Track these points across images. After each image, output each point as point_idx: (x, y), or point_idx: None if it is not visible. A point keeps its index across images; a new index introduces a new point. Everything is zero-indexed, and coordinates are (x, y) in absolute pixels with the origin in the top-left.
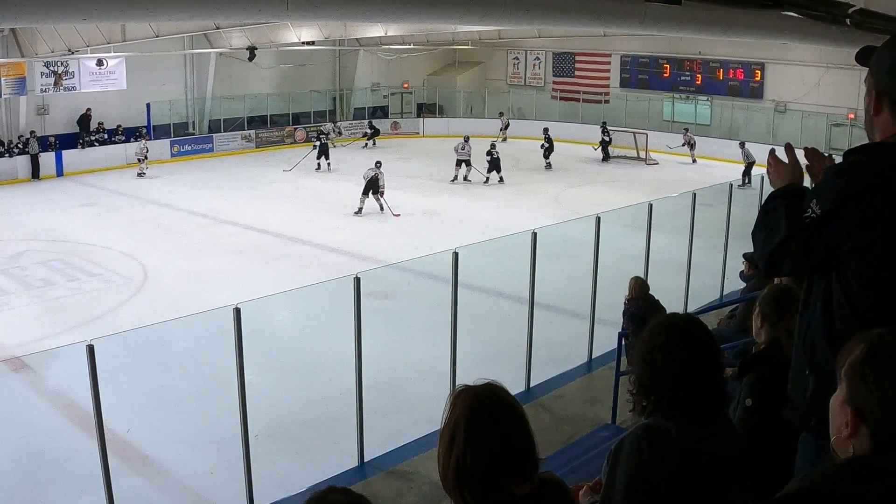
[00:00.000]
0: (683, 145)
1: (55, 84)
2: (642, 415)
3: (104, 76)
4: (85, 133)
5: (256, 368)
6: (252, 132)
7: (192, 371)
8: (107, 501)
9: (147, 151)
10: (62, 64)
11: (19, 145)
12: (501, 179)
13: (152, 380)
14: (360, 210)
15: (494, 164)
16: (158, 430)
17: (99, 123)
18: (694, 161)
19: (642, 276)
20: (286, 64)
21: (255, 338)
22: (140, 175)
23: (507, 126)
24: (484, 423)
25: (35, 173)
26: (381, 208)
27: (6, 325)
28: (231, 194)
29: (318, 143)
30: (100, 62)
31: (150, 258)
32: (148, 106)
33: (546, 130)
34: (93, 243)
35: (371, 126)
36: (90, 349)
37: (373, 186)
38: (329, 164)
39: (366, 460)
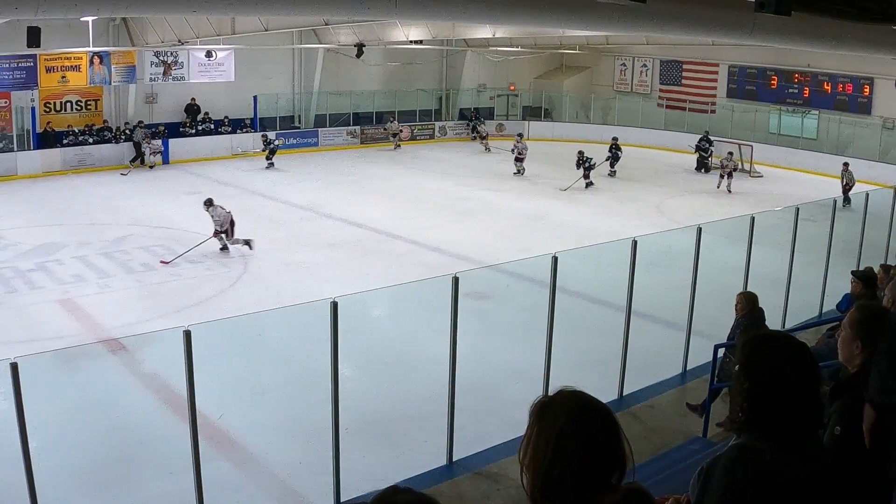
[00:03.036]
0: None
1: (164, 73)
2: (736, 431)
3: (213, 67)
4: (191, 122)
5: (350, 362)
6: (357, 128)
7: (286, 361)
8: (195, 485)
9: (160, 148)
10: (171, 54)
11: (126, 131)
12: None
13: (247, 368)
14: None
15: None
16: (250, 417)
17: (205, 113)
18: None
19: (741, 289)
20: (393, 62)
21: (350, 332)
22: (150, 167)
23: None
24: (577, 431)
25: (136, 160)
26: None
27: (106, 307)
28: (334, 189)
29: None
30: (209, 54)
31: (240, 246)
32: (255, 98)
33: (615, 139)
34: (195, 231)
35: (474, 118)
36: (187, 335)
37: None
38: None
39: (454, 460)
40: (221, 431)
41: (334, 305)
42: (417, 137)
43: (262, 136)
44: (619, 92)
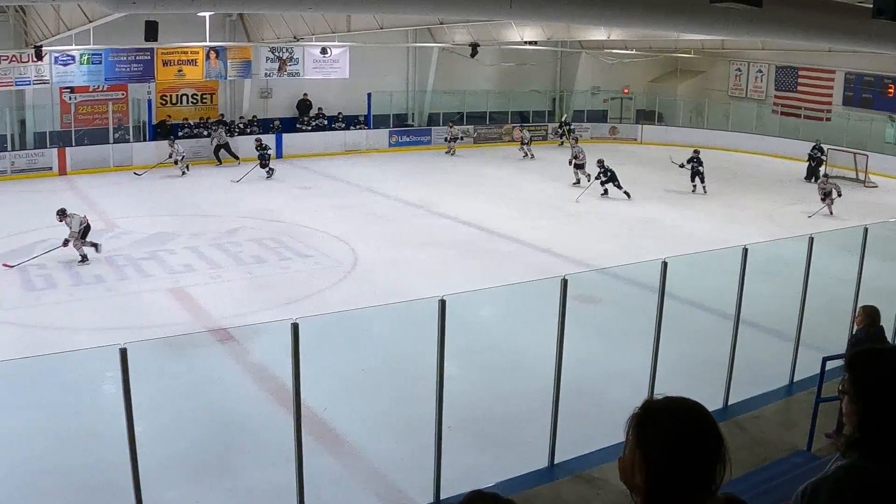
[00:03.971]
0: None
1: (279, 69)
2: (844, 449)
3: (327, 64)
4: (306, 119)
5: (455, 360)
6: (470, 128)
7: (392, 358)
8: (297, 476)
9: (183, 153)
10: (287, 50)
11: (239, 125)
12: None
13: (352, 362)
14: None
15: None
16: (353, 411)
17: (319, 109)
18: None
19: (852, 301)
20: (507, 62)
21: (456, 330)
22: (183, 173)
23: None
24: (679, 438)
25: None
26: None
27: (216, 297)
28: (445, 187)
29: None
30: (324, 50)
31: (361, 244)
32: (369, 96)
33: (696, 153)
34: (306, 225)
35: (563, 125)
36: (295, 327)
37: None
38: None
39: (555, 462)
40: (325, 424)
41: (442, 303)
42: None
43: (256, 139)
44: (733, 97)
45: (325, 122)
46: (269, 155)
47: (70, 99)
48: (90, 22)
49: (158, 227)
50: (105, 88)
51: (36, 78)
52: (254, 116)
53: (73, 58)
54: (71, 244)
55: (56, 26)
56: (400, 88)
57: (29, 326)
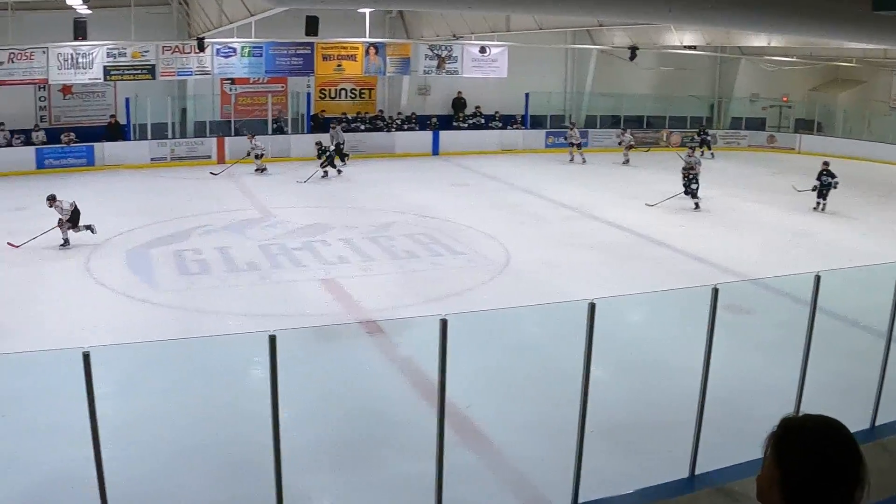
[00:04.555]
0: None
1: (437, 67)
2: None
3: (486, 63)
4: (458, 115)
5: (600, 364)
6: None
7: (538, 358)
8: (436, 471)
9: (263, 149)
10: (446, 48)
11: (397, 122)
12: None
13: (498, 361)
14: None
15: None
16: (497, 410)
17: (476, 107)
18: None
19: None
20: (666, 67)
21: (604, 334)
22: (260, 171)
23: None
24: (821, 458)
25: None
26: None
27: (367, 289)
28: (600, 190)
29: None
30: (483, 49)
31: (514, 243)
32: (527, 96)
33: (825, 164)
34: (459, 222)
35: (702, 132)
36: (443, 323)
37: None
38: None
39: (696, 473)
40: (467, 421)
41: (592, 307)
42: (684, 143)
43: (317, 143)
44: (894, 108)
45: (482, 121)
46: (332, 155)
47: (230, 90)
48: (252, 15)
49: (314, 218)
50: (265, 81)
51: (198, 69)
52: (412, 113)
53: (234, 50)
54: (61, 228)
55: (218, 19)
56: (557, 89)
57: (182, 309)
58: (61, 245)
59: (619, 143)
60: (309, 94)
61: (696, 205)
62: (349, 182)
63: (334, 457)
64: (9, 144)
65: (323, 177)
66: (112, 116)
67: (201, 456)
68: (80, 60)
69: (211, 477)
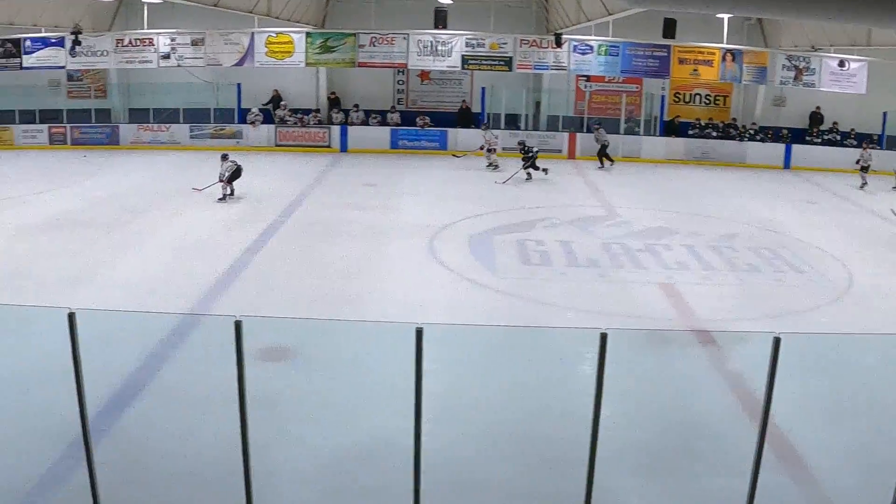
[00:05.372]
0: None
1: (794, 78)
2: None
3: (844, 78)
4: (814, 130)
5: None
6: None
7: (868, 389)
8: (749, 491)
9: (494, 144)
10: (804, 59)
11: (750, 131)
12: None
13: (830, 387)
14: None
15: None
16: (818, 435)
17: (833, 123)
18: None
19: None
20: None
21: None
22: (492, 167)
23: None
24: None
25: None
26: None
27: (704, 298)
28: None
29: None
30: (842, 63)
31: (860, 268)
32: (884, 115)
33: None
34: (805, 240)
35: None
36: (776, 341)
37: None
38: None
39: None
40: (787, 444)
41: None
42: None
43: (519, 143)
44: None
45: (837, 138)
46: (535, 156)
47: (585, 87)
48: (609, 14)
49: (659, 221)
50: (620, 80)
51: (554, 64)
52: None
53: (591, 47)
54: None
55: (576, 16)
56: None
57: (518, 297)
58: (219, 199)
59: None
60: (663, 97)
61: None
62: (695, 189)
63: (647, 462)
64: (364, 123)
65: (527, 179)
66: (463, 102)
67: (516, 445)
68: (438, 48)
69: (522, 467)
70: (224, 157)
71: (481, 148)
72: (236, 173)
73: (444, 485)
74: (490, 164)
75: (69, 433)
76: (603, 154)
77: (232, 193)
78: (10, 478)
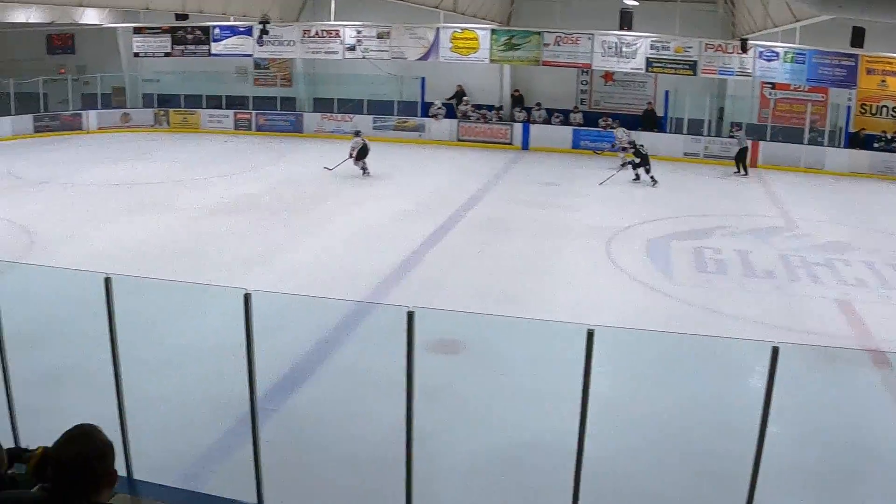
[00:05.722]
0: None
1: None
2: None
3: None
4: None
5: None
6: None
7: None
8: None
9: (626, 143)
10: None
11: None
12: None
13: None
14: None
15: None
16: None
17: None
18: None
19: None
20: None
21: None
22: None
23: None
24: None
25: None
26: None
27: (883, 318)
28: None
29: None
30: None
31: None
32: None
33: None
34: None
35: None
36: None
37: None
38: None
39: None
40: None
41: None
42: None
43: (630, 142)
44: None
45: None
46: (647, 156)
47: (770, 94)
48: (797, 21)
49: (837, 235)
50: (806, 89)
51: (739, 69)
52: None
53: (777, 54)
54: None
55: (763, 21)
56: None
57: (692, 305)
58: (364, 173)
59: None
60: (849, 108)
61: None
62: (880, 204)
63: (809, 483)
64: (546, 122)
65: (634, 180)
66: (649, 104)
67: (678, 456)
68: (623, 49)
69: (683, 480)
70: (357, 133)
71: (612, 147)
72: (363, 150)
73: (603, 490)
74: (624, 164)
75: (239, 408)
76: (741, 158)
77: (365, 170)
78: (181, 443)
